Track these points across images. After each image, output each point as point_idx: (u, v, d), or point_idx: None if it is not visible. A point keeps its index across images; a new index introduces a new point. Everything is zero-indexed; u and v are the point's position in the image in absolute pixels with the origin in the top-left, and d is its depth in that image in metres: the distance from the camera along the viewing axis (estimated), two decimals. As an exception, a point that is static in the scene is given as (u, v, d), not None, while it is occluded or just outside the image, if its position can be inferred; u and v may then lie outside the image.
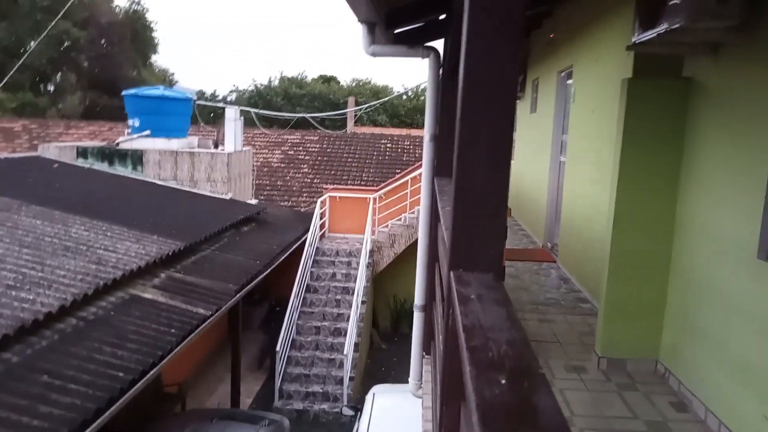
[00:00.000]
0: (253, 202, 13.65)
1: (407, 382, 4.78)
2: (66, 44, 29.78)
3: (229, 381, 9.83)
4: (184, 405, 9.18)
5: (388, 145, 20.05)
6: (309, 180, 17.83)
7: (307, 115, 21.51)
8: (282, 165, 18.60)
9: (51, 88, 33.18)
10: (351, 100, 27.24)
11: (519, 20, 1.51)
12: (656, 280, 4.39)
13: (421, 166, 5.30)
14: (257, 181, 16.83)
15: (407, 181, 12.52)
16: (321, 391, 9.97)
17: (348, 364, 9.74)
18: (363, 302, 10.99)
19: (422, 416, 3.82)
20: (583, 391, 4.09)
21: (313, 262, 11.88)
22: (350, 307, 10.66)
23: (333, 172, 18.22)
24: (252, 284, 8.70)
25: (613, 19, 5.71)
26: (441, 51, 4.65)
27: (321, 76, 38.26)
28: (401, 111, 33.65)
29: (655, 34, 3.67)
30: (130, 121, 14.25)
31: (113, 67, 30.94)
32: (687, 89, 4.20)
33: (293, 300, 10.70)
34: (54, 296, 5.71)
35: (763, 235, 3.27)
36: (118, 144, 13.88)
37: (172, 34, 67.05)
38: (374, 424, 5.11)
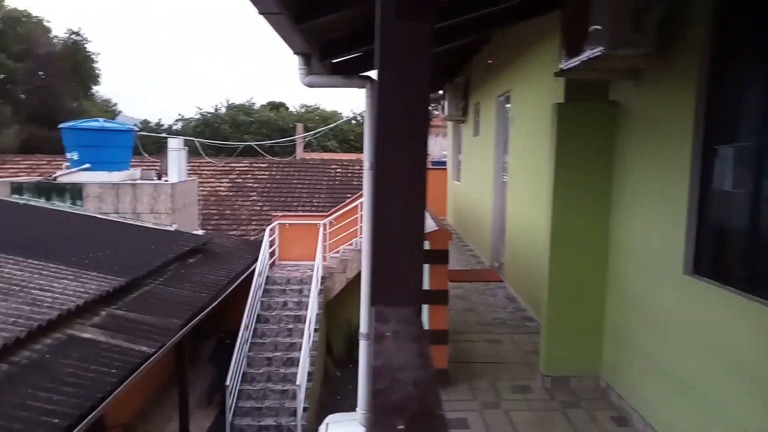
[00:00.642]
0: (200, 232, 13.38)
1: (359, 410, 4.74)
2: (0, 77, 28.76)
3: (178, 419, 9.49)
4: (130, 448, 8.79)
5: (338, 170, 20.07)
6: (258, 208, 17.62)
7: (254, 143, 21.34)
8: (230, 193, 18.34)
9: (-15, 122, 31.88)
10: (299, 126, 27.21)
11: (427, 56, 1.55)
12: (594, 298, 4.51)
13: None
14: (204, 211, 16.53)
15: (357, 205, 12.54)
16: (274, 424, 9.73)
17: (301, 395, 9.55)
18: (316, 330, 10.85)
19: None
20: (527, 411, 4.14)
21: (263, 291, 11.68)
22: (303, 335, 10.50)
23: (283, 199, 18.08)
24: (198, 317, 8.48)
25: (544, 46, 5.93)
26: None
27: (269, 103, 38.14)
28: (351, 136, 33.82)
29: (579, 61, 3.83)
30: (68, 155, 13.80)
31: (53, 99, 30.02)
32: (613, 112, 4.39)
33: (243, 332, 10.47)
34: (-18, 342, 5.41)
35: (687, 251, 3.42)
36: (55, 178, 13.40)
37: (116, 63, 65.70)
38: (326, 456, 5.02)
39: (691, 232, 3.39)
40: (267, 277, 11.96)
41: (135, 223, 12.23)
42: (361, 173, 19.68)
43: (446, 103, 12.35)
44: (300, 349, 10.33)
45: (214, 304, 9.19)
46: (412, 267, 1.60)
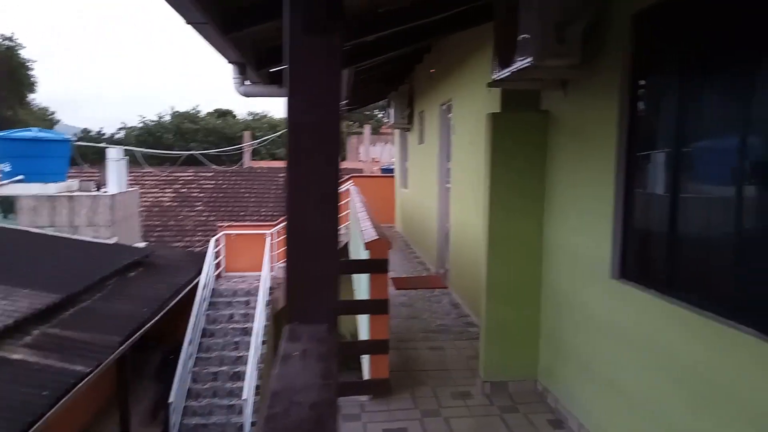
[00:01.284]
0: (142, 245, 12.99)
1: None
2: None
3: (119, 439, 9.16)
4: (68, 472, 8.41)
5: (286, 178, 19.87)
6: (204, 218, 17.26)
7: (198, 152, 20.88)
8: (174, 204, 17.90)
9: None
10: (247, 134, 26.86)
11: (337, 72, 1.55)
12: (531, 302, 4.61)
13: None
14: (147, 223, 16.07)
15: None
16: (221, 440, 9.52)
17: (248, 410, 9.37)
18: (263, 342, 10.67)
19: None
20: (467, 418, 4.18)
21: (208, 304, 11.42)
22: (249, 348, 10.31)
23: (230, 208, 17.77)
24: (139, 333, 8.22)
25: (481, 56, 6.04)
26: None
27: (216, 111, 37.49)
28: (300, 143, 33.51)
29: (509, 72, 3.92)
30: (0, 166, 13.18)
31: (-15, 108, 28.67)
32: (544, 121, 4.51)
33: (187, 346, 10.20)
34: None
35: (614, 256, 3.53)
36: (-15, 191, 12.76)
37: (56, 70, 63.30)
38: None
39: (617, 237, 3.51)
40: (213, 289, 11.71)
41: (72, 237, 11.77)
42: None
43: (392, 111, 12.42)
44: (247, 363, 10.14)
45: (156, 318, 8.93)
46: (328, 283, 1.59)
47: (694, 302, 2.78)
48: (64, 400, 5.85)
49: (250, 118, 37.46)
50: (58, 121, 35.89)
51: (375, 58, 6.35)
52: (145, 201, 16.55)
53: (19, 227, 11.75)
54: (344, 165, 24.79)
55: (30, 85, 33.70)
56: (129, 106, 73.09)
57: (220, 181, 19.44)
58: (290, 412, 1.01)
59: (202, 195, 18.44)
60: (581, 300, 3.94)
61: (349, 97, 9.75)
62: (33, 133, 13.64)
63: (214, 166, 21.50)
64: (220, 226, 13.20)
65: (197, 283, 11.33)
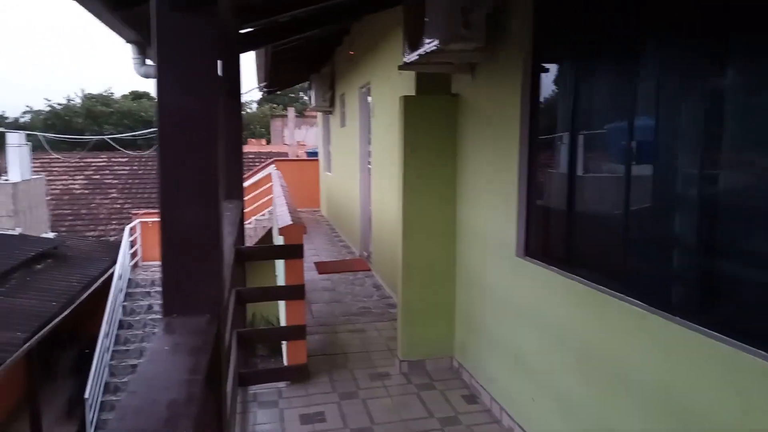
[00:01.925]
0: (50, 235, 12.27)
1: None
2: None
3: (30, 441, 8.70)
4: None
5: (207, 163, 19.27)
6: (119, 206, 16.49)
7: (110, 136, 19.84)
8: (86, 191, 16.99)
9: None
10: (165, 117, 25.78)
11: (211, 52, 1.48)
12: (445, 281, 4.70)
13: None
14: (57, 212, 15.18)
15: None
16: (142, 434, 9.22)
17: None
18: (184, 332, 10.39)
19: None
20: (385, 398, 4.23)
21: (125, 295, 10.97)
22: (170, 339, 10.00)
23: (146, 195, 17.06)
24: (47, 329, 7.79)
25: (396, 39, 6.03)
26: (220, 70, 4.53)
27: (132, 93, 35.74)
28: (222, 126, 32.58)
29: (417, 56, 3.93)
30: None
31: None
32: (454, 104, 4.57)
33: (103, 340, 9.77)
34: None
35: (519, 235, 3.65)
36: None
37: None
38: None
39: (522, 217, 3.62)
40: (129, 279, 11.24)
41: (-30, 229, 10.96)
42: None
43: (313, 94, 12.25)
44: (168, 353, 9.83)
45: (66, 312, 8.49)
46: (210, 274, 1.54)
47: (589, 277, 2.92)
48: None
49: (169, 100, 35.95)
50: (-45, 103, 33.15)
51: (290, 37, 6.22)
52: (54, 189, 15.62)
53: None
54: (269, 149, 24.29)
55: None
56: (37, 90, 68.30)
57: (136, 167, 18.60)
58: (143, 411, 0.97)
59: (116, 181, 17.60)
60: (490, 279, 4.06)
61: (268, 79, 9.53)
62: None
63: (129, 152, 20.52)
64: (135, 214, 12.66)
65: (112, 274, 10.84)
